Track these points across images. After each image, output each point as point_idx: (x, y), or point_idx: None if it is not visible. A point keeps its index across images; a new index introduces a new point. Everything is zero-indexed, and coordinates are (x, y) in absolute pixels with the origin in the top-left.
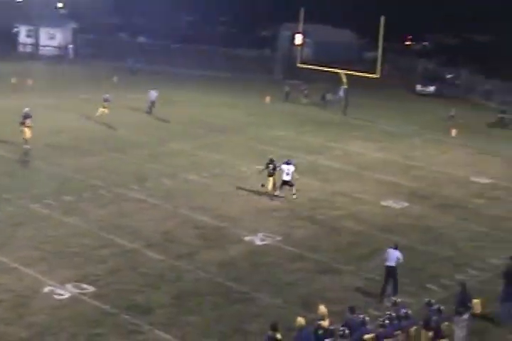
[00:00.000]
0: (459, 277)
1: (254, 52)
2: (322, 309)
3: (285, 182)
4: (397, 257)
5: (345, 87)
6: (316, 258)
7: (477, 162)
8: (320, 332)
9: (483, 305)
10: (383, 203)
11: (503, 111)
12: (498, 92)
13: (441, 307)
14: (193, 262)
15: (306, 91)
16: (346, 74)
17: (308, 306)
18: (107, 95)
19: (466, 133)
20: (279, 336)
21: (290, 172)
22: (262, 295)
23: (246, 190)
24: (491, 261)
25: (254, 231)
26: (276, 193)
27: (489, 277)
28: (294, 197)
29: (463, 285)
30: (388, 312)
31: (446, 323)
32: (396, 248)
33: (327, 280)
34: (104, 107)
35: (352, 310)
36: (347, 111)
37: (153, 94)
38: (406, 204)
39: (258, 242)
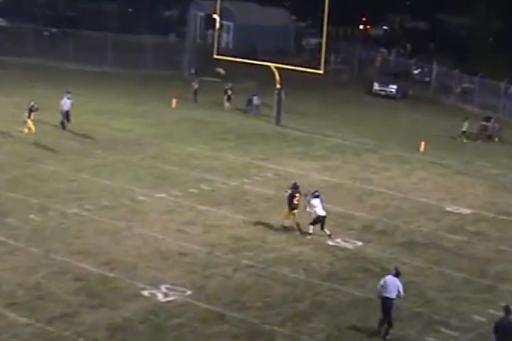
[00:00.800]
0: (430, 340)
1: (156, 39)
2: None
3: (321, 219)
4: (398, 287)
5: (279, 87)
6: (240, 317)
7: (453, 185)
8: None
9: None
10: (329, 242)
11: (487, 119)
12: (479, 92)
13: None
14: (71, 326)
15: (229, 92)
16: (279, 69)
17: None
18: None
19: (438, 148)
20: None
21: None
22: None
23: (144, 226)
24: (473, 317)
25: (155, 283)
26: (310, 231)
27: (470, 339)
28: (329, 234)
29: None
30: None
31: None
32: (397, 275)
33: None
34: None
35: None
36: (281, 120)
37: (67, 101)
38: (359, 243)
39: (161, 298)
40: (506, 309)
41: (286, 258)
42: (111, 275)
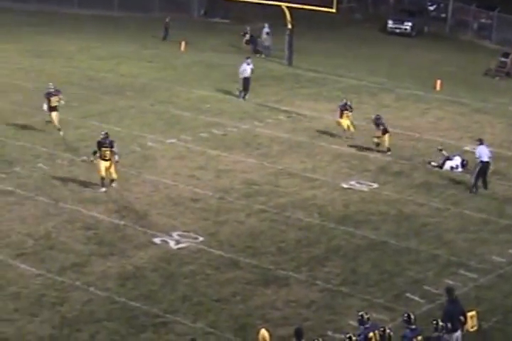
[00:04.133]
0: (448, 282)
1: None
2: (264, 334)
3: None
4: (489, 152)
5: (290, 27)
6: (253, 263)
7: (471, 124)
8: None
9: (479, 319)
10: (344, 185)
11: (506, 55)
12: (497, 28)
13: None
14: (82, 276)
15: (247, 35)
16: (290, 8)
17: (244, 330)
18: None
19: (455, 85)
20: None
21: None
22: (180, 317)
23: (155, 173)
24: (492, 258)
25: (167, 231)
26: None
27: (490, 280)
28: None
29: (450, 291)
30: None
31: None
32: (482, 143)
33: (270, 294)
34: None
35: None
36: (293, 61)
37: (247, 68)
38: (375, 185)
39: (173, 245)
40: None
41: (300, 202)
42: (122, 223)
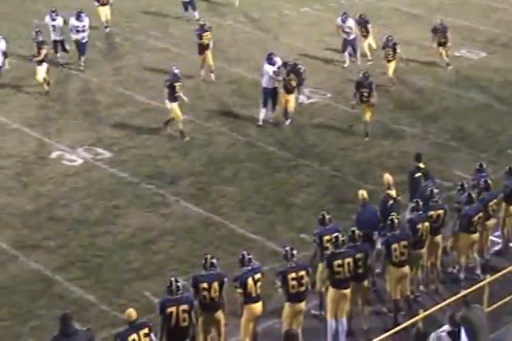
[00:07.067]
0: None
1: None
2: (387, 177)
3: None
4: None
5: None
6: (376, 117)
7: None
8: (389, 203)
9: None
10: (456, 53)
11: None
12: None
13: None
14: (227, 123)
15: None
16: None
17: (365, 175)
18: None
19: None
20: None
21: None
22: (309, 162)
23: (289, 37)
24: None
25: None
26: None
27: None
28: None
29: None
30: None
31: None
32: None
33: (387, 145)
34: None
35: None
36: None
37: None
38: (483, 54)
39: (305, 100)
40: None
41: (417, 68)
42: (258, 78)
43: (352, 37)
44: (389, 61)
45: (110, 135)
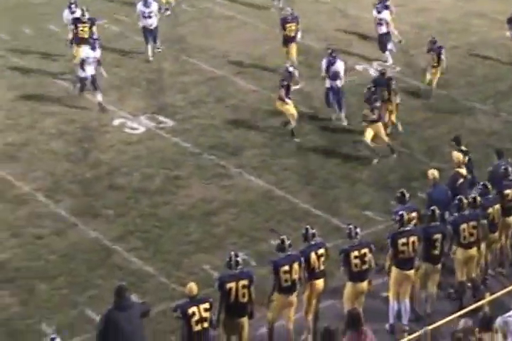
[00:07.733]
0: None
1: None
2: (457, 155)
3: None
4: None
5: None
6: (443, 94)
7: None
8: (459, 181)
9: None
10: None
11: None
12: None
13: None
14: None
15: None
16: None
17: (432, 152)
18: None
19: None
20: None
21: None
22: None
23: (358, 8)
24: None
25: (367, 59)
26: None
27: None
28: None
29: None
30: None
31: None
32: None
33: (456, 122)
34: None
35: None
36: None
37: None
38: None
39: (372, 73)
40: None
41: (490, 41)
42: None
43: (383, 31)
44: (433, 67)
45: (173, 103)
